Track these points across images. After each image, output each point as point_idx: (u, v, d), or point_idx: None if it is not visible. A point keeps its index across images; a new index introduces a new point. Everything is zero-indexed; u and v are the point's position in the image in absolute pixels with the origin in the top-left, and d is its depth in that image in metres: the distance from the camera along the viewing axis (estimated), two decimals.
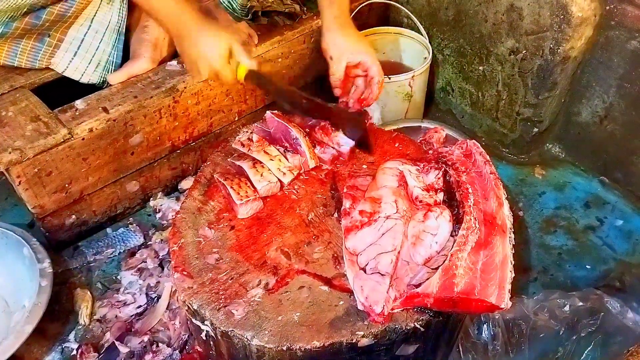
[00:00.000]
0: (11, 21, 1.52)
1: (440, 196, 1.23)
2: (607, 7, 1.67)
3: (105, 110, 1.56)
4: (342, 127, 1.37)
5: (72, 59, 1.63)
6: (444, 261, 1.07)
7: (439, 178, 1.26)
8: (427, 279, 1.06)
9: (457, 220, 1.17)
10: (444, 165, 1.28)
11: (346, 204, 1.22)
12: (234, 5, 1.56)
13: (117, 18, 1.64)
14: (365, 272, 1.09)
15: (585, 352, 1.40)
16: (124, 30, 1.67)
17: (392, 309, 1.06)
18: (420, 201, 1.21)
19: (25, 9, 1.49)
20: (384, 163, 1.29)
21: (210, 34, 1.33)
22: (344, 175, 1.35)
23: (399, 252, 1.10)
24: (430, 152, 1.39)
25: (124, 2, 1.64)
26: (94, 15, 1.62)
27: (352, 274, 1.11)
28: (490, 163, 1.26)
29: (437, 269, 1.07)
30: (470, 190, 1.19)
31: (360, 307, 1.07)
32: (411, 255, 1.12)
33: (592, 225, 1.81)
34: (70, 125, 1.51)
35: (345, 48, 1.43)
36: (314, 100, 1.41)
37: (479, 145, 1.30)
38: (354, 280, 1.09)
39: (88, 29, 1.62)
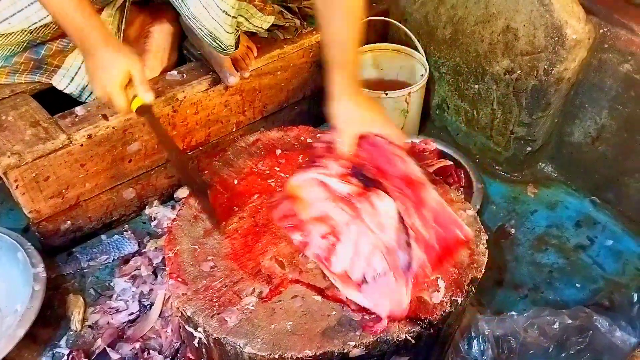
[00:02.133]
0: (11, 56, 1.55)
1: (359, 175, 1.21)
2: (601, 30, 1.70)
3: (104, 117, 1.57)
4: (190, 189, 1.33)
5: (69, 84, 1.65)
6: (407, 235, 1.10)
7: (342, 165, 1.22)
8: (409, 258, 1.10)
9: None
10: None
11: (297, 237, 1.22)
12: (222, 46, 1.56)
13: None
14: (367, 282, 1.10)
15: None
16: None
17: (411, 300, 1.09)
18: (353, 194, 1.18)
19: (25, 44, 1.51)
20: (291, 181, 1.24)
21: (112, 55, 1.26)
22: None
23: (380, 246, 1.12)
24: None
25: (120, 31, 1.67)
26: None
27: (357, 292, 1.11)
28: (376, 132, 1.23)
29: (407, 243, 1.11)
30: (379, 164, 1.19)
31: (385, 316, 1.06)
32: (384, 243, 1.12)
33: (582, 244, 1.83)
34: (70, 131, 1.53)
35: (355, 119, 1.25)
36: (178, 156, 1.39)
37: None
38: (364, 297, 1.09)
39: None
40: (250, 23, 1.63)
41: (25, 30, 1.47)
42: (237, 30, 1.59)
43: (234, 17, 1.47)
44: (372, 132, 1.23)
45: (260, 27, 1.68)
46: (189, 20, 1.48)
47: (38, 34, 1.50)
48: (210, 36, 1.50)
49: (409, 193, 1.15)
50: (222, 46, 1.54)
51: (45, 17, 1.46)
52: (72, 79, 1.64)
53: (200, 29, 1.48)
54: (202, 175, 1.36)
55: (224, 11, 1.43)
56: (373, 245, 1.11)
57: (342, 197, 1.18)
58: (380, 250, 1.11)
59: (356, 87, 1.30)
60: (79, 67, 1.64)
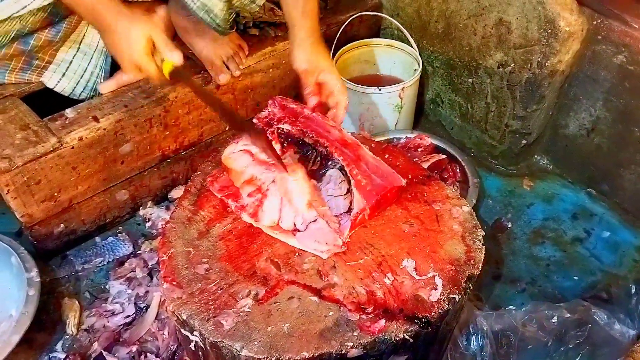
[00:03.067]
0: (0, 47, 1.52)
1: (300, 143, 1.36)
2: (594, 22, 1.70)
3: (95, 119, 1.56)
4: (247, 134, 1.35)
5: (60, 79, 1.64)
6: (349, 183, 1.26)
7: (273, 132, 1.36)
8: (350, 204, 1.25)
9: (323, 158, 1.32)
10: (276, 125, 1.37)
11: (233, 203, 1.28)
12: (217, 21, 1.55)
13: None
14: (300, 230, 1.20)
15: None
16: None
17: (350, 237, 1.22)
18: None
19: (13, 34, 1.49)
20: (223, 154, 1.33)
21: (128, 24, 1.26)
22: None
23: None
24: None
25: None
26: (82, 38, 1.63)
27: (294, 240, 1.20)
28: (305, 106, 1.41)
29: (347, 193, 1.27)
30: (318, 130, 1.34)
31: (325, 256, 1.18)
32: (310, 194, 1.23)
33: (579, 236, 1.82)
34: (60, 134, 1.51)
35: (318, 64, 1.45)
36: (225, 109, 1.43)
37: (286, 98, 1.43)
38: (301, 243, 1.20)
39: (77, 51, 1.64)
40: None
41: (15, 18, 1.45)
42: (231, 9, 1.57)
43: None
44: (327, 79, 1.45)
45: (253, 3, 1.64)
46: None
47: (27, 22, 1.48)
48: (204, 9, 1.48)
49: (348, 151, 1.30)
50: (217, 21, 1.53)
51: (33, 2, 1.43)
52: (64, 74, 1.63)
53: (192, 1, 1.47)
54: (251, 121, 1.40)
55: None
56: (300, 196, 1.21)
57: (266, 161, 1.28)
58: (309, 200, 1.21)
59: (318, 36, 1.48)
60: (70, 62, 1.63)
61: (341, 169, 1.30)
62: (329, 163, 1.32)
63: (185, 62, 1.33)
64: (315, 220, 1.20)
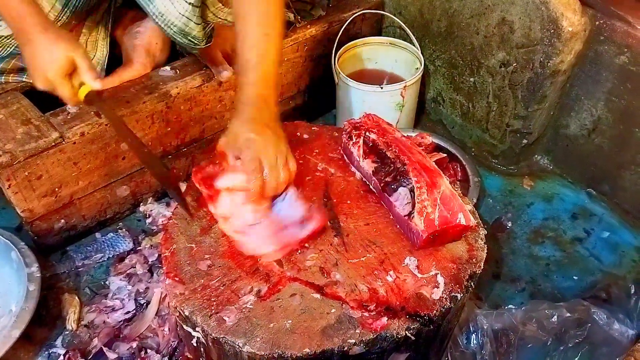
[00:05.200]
0: None
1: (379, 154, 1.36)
2: (597, 22, 1.70)
3: (97, 114, 1.55)
4: (156, 177, 1.28)
5: None
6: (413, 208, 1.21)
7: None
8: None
9: (399, 174, 1.28)
10: (364, 132, 1.37)
11: (204, 192, 1.22)
12: (195, 42, 1.51)
13: (101, 55, 1.66)
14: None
15: None
16: (105, 66, 1.68)
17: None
18: None
19: (11, 49, 1.49)
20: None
21: (50, 41, 1.19)
22: (337, 182, 1.36)
23: None
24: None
25: (107, 34, 1.66)
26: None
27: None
28: (394, 127, 1.41)
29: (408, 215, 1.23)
30: (402, 148, 1.31)
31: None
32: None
33: (579, 236, 1.83)
34: (62, 129, 1.51)
35: (235, 148, 1.18)
36: (136, 144, 1.34)
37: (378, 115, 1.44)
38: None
39: None
40: (215, 15, 1.59)
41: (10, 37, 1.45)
42: (207, 23, 1.56)
43: (197, 6, 1.45)
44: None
45: (225, 20, 1.63)
46: (156, 19, 1.45)
47: None
48: (181, 33, 1.48)
49: (425, 176, 1.24)
50: (195, 41, 1.52)
51: None
52: None
53: (169, 27, 1.46)
54: (164, 163, 1.31)
55: (190, 3, 1.42)
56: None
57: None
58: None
59: (253, 111, 1.19)
60: None
61: (412, 190, 1.24)
62: (403, 181, 1.27)
63: (105, 90, 1.25)
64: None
